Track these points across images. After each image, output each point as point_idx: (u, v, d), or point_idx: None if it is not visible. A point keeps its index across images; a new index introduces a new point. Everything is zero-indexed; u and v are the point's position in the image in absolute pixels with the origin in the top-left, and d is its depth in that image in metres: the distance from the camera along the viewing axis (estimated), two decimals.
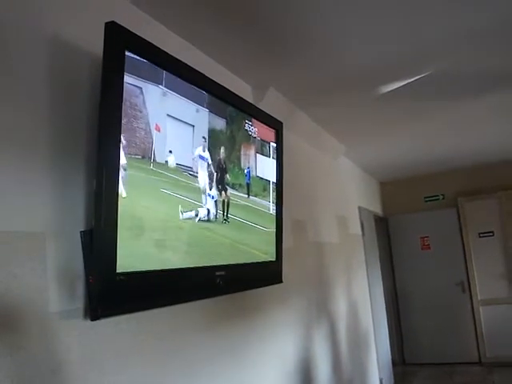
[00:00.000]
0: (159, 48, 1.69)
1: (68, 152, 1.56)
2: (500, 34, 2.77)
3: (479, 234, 7.19)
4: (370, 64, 2.95)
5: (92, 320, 1.49)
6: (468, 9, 2.40)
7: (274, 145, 2.71)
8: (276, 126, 2.70)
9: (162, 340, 1.88)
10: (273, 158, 2.71)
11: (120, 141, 1.51)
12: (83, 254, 1.54)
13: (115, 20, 1.50)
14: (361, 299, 5.19)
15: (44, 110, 1.50)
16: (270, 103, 3.08)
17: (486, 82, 3.61)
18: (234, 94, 2.24)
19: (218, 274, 2.06)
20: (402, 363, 7.18)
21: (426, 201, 7.63)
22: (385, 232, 7.55)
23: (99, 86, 1.50)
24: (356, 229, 5.60)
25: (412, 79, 3.34)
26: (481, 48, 2.95)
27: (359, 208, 5.92)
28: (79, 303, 1.51)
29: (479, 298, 7.10)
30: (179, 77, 1.81)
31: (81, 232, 1.55)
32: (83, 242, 1.54)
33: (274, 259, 2.71)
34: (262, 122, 2.53)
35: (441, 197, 7.57)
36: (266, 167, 2.62)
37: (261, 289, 2.70)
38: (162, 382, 1.85)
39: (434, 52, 2.91)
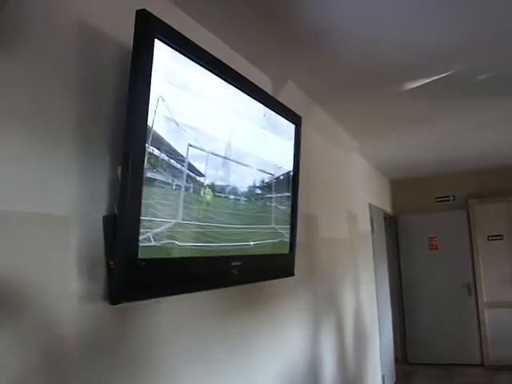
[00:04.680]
0: (188, 38, 1.70)
1: (93, 139, 1.57)
2: None
3: (488, 236, 7.17)
4: (391, 61, 2.94)
5: (112, 304, 1.51)
6: (494, 11, 2.39)
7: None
8: (295, 120, 2.71)
9: (181, 326, 1.91)
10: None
11: (147, 127, 1.52)
12: (105, 239, 1.56)
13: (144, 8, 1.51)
14: (367, 296, 5.20)
15: (72, 97, 1.51)
16: (288, 96, 3.08)
17: (504, 86, 3.60)
18: (256, 85, 2.25)
19: (234, 264, 2.08)
20: (405, 362, 7.20)
21: (437, 201, 7.61)
22: (393, 230, 7.54)
23: (127, 75, 1.51)
24: (366, 226, 5.61)
25: (432, 79, 3.33)
26: (503, 52, 2.94)
27: (369, 205, 5.92)
28: (99, 288, 1.53)
29: (485, 300, 7.09)
30: (205, 68, 1.82)
31: (104, 217, 1.57)
32: (105, 227, 1.56)
33: (287, 252, 2.73)
34: (281, 115, 2.54)
35: (452, 198, 7.55)
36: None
37: (272, 281, 2.72)
38: (176, 368, 1.87)
39: (456, 52, 2.90)
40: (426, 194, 7.62)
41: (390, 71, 3.15)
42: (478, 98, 3.87)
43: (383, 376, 5.59)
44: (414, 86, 3.45)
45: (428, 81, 3.37)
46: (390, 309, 6.45)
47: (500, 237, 7.13)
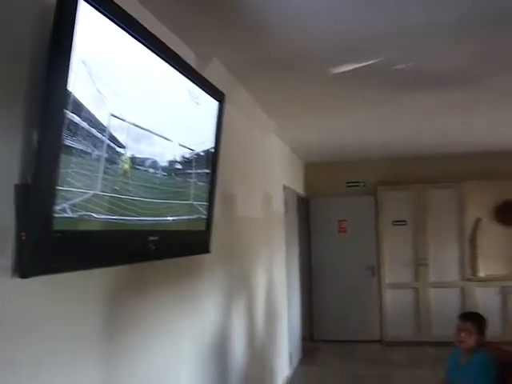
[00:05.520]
0: (115, 2, 1.63)
1: (6, 100, 1.46)
2: (448, 36, 2.90)
3: (393, 222, 7.56)
4: (318, 45, 2.98)
5: (22, 278, 1.43)
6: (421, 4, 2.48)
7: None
8: (219, 97, 2.69)
9: (93, 302, 1.85)
10: None
11: (67, 91, 1.44)
12: (16, 209, 1.46)
13: None
14: (278, 276, 5.33)
15: None
16: (211, 73, 3.04)
17: (419, 80, 3.77)
18: (181, 59, 2.20)
19: (151, 239, 2.04)
20: (311, 339, 7.48)
21: (348, 186, 7.89)
22: (305, 212, 7.74)
23: (49, 34, 1.42)
24: (279, 207, 5.71)
25: (352, 67, 3.42)
26: (427, 46, 3.07)
27: (284, 187, 6.03)
28: (9, 261, 1.44)
29: (387, 281, 7.51)
30: (131, 35, 1.76)
31: (15, 185, 1.47)
32: (17, 197, 1.46)
33: (203, 229, 2.73)
34: (205, 91, 2.51)
35: (362, 184, 7.86)
36: None
37: (189, 258, 2.70)
38: (87, 343, 1.82)
39: (378, 43, 2.98)
40: (338, 178, 7.87)
41: (312, 56, 3.19)
42: (394, 89, 4.02)
43: (290, 354, 5.78)
44: (335, 72, 3.52)
45: (348, 69, 3.46)
46: (298, 288, 6.65)
47: (404, 222, 7.55)
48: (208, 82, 2.54)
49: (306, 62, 3.32)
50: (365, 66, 3.39)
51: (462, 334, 3.15)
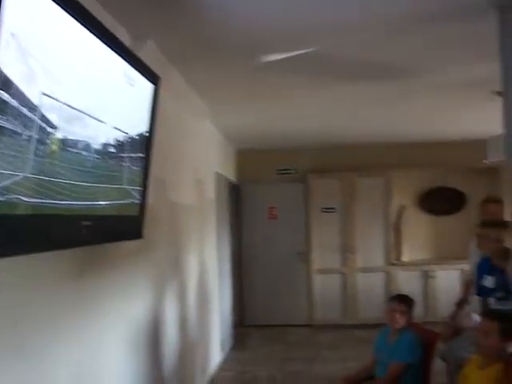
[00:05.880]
0: None
1: None
2: (377, 30, 2.99)
3: (322, 208, 7.74)
4: (253, 31, 2.98)
5: None
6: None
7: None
8: (154, 80, 2.63)
9: (25, 288, 1.77)
10: None
11: None
12: None
13: None
14: (209, 262, 5.33)
15: None
16: (146, 56, 2.97)
17: (360, 70, 3.86)
18: (117, 39, 2.13)
19: (83, 223, 1.98)
20: (241, 324, 7.55)
21: (279, 173, 7.98)
22: (237, 199, 7.77)
23: None
24: (211, 193, 5.69)
25: (287, 55, 3.45)
26: (360, 38, 3.15)
27: (216, 173, 6.01)
28: None
29: (315, 267, 7.69)
30: (67, 12, 1.67)
31: None
32: None
33: (136, 214, 2.67)
34: (140, 73, 2.44)
35: (292, 171, 7.98)
36: None
37: (121, 243, 2.64)
38: (17, 329, 1.75)
39: (317, 31, 3.03)
40: (269, 165, 7.94)
41: (247, 42, 3.18)
42: (326, 78, 4.10)
43: (222, 339, 5.81)
44: (269, 59, 3.54)
45: (282, 57, 3.49)
46: (229, 275, 6.68)
47: (333, 209, 7.75)
48: (144, 64, 2.48)
49: (241, 48, 3.31)
50: (298, 54, 3.44)
51: (397, 315, 3.34)
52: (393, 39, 3.22)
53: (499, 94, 4.32)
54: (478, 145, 6.25)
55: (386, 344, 3.44)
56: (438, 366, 3.53)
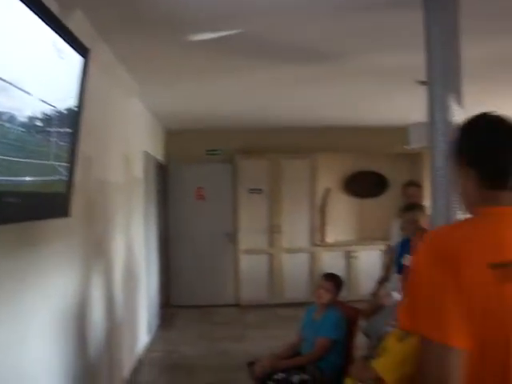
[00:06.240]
0: None
1: None
2: (303, 14, 3.02)
3: (249, 190, 7.81)
4: (184, 8, 2.93)
5: None
6: None
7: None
8: (84, 52, 2.53)
9: None
10: None
11: None
12: None
13: None
14: (136, 242, 5.25)
15: None
16: (74, 27, 2.84)
17: (289, 53, 3.89)
18: (45, 6, 2.02)
19: (7, 200, 1.88)
20: (168, 305, 7.51)
21: (207, 154, 7.95)
22: (164, 179, 7.67)
23: None
24: (139, 172, 5.59)
25: (219, 34, 3.42)
26: (292, 20, 3.17)
27: (144, 152, 5.90)
28: None
29: (242, 247, 7.77)
30: None
31: None
32: None
33: (63, 191, 2.58)
34: (70, 44, 2.34)
35: (220, 152, 7.97)
36: None
37: (47, 222, 2.54)
38: None
39: (249, 12, 3.02)
40: (198, 146, 7.88)
41: (178, 19, 3.13)
42: (254, 60, 4.10)
43: (149, 319, 5.77)
44: (197, 38, 3.50)
45: (214, 36, 3.46)
46: (156, 255, 6.62)
47: (260, 190, 7.84)
48: (73, 35, 2.37)
49: (171, 25, 3.25)
50: (227, 35, 3.42)
51: (322, 291, 3.51)
52: (319, 24, 3.28)
53: (422, 83, 4.53)
54: (400, 131, 6.50)
55: (312, 321, 3.56)
56: (360, 341, 3.70)
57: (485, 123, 1.39)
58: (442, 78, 2.87)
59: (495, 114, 1.38)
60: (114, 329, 4.07)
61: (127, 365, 4.57)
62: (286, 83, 4.97)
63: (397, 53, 3.96)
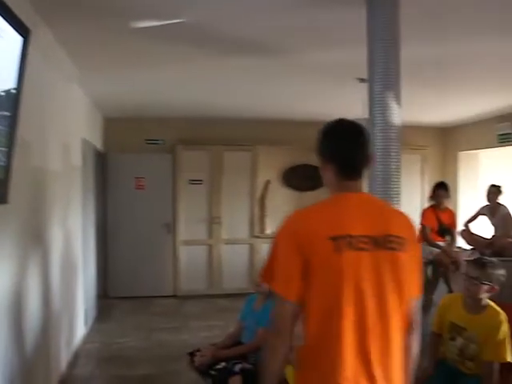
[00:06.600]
0: None
1: None
2: (250, 5, 3.04)
3: (189, 180, 7.78)
4: None
5: None
6: None
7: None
8: (24, 32, 2.44)
9: None
10: None
11: None
12: None
13: None
14: (74, 231, 5.12)
15: None
16: (15, 6, 2.74)
17: (234, 44, 3.90)
18: None
19: None
20: (106, 296, 7.38)
21: (147, 143, 7.84)
22: (103, 167, 7.50)
23: None
24: (77, 160, 5.44)
25: (162, 23, 3.38)
26: (240, 12, 3.18)
27: (83, 140, 5.75)
28: None
29: (181, 238, 7.75)
30: None
31: None
32: None
33: (1, 177, 2.49)
34: (10, 23, 2.25)
35: (161, 142, 7.88)
36: None
37: None
38: None
39: (191, 2, 3.01)
40: (138, 135, 7.76)
41: (121, 6, 3.09)
42: (198, 50, 4.09)
43: (86, 311, 5.65)
44: (141, 26, 3.45)
45: (158, 23, 3.42)
46: (94, 244, 6.48)
47: (200, 181, 7.83)
48: (14, 13, 2.29)
49: (114, 11, 3.20)
50: (171, 23, 3.40)
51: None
52: (262, 17, 3.31)
53: (362, 80, 4.68)
54: None
55: (253, 310, 3.60)
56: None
57: (339, 128, 1.76)
58: (382, 76, 2.99)
59: (348, 120, 1.76)
60: (51, 321, 3.97)
61: (64, 358, 4.46)
62: (228, 75, 4.98)
63: (339, 50, 4.06)
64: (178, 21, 3.35)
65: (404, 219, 1.77)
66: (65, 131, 4.72)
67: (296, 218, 1.75)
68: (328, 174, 1.77)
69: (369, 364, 1.60)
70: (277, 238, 1.74)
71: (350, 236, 1.61)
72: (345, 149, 1.72)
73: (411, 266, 1.70)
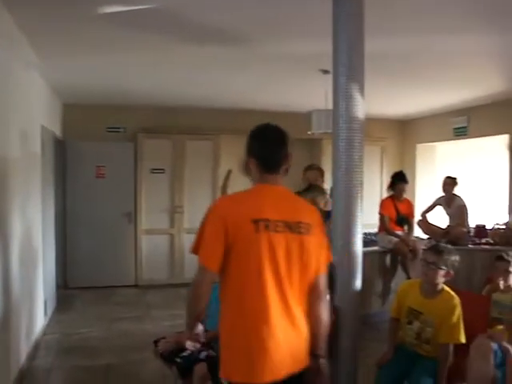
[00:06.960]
0: None
1: None
2: None
3: (151, 169, 7.72)
4: None
5: None
6: None
7: None
8: None
9: None
10: None
11: None
12: None
13: None
14: (34, 220, 5.01)
15: None
16: None
17: (201, 33, 3.89)
18: None
19: None
20: (65, 287, 7.26)
21: (108, 131, 7.73)
22: (62, 155, 7.34)
23: None
24: (36, 148, 5.32)
25: (128, 8, 3.34)
26: (206, 1, 3.17)
27: (42, 127, 5.62)
28: None
29: (143, 227, 7.70)
30: None
31: None
32: None
33: None
34: None
35: (123, 130, 7.79)
36: None
37: None
38: None
39: None
40: (99, 123, 7.65)
41: None
42: (164, 37, 4.06)
43: (45, 301, 5.55)
44: (105, 11, 3.40)
45: (122, 9, 3.38)
46: (53, 234, 6.36)
47: (162, 170, 7.78)
48: None
49: None
50: (138, 9, 3.36)
51: None
52: (230, 6, 3.32)
53: (326, 72, 4.75)
54: (303, 117, 6.74)
55: (217, 299, 3.62)
56: None
57: (264, 131, 2.17)
58: (347, 68, 3.04)
59: (273, 125, 2.17)
60: (11, 312, 3.89)
61: (24, 349, 4.39)
62: (193, 63, 4.96)
63: (303, 41, 4.10)
64: (144, 7, 3.32)
65: (310, 209, 2.23)
66: (22, 118, 4.60)
67: (224, 204, 2.15)
68: (253, 168, 2.14)
69: (288, 307, 2.03)
70: (206, 218, 2.07)
71: (268, 220, 2.01)
72: (266, 148, 2.13)
73: (317, 246, 2.11)
